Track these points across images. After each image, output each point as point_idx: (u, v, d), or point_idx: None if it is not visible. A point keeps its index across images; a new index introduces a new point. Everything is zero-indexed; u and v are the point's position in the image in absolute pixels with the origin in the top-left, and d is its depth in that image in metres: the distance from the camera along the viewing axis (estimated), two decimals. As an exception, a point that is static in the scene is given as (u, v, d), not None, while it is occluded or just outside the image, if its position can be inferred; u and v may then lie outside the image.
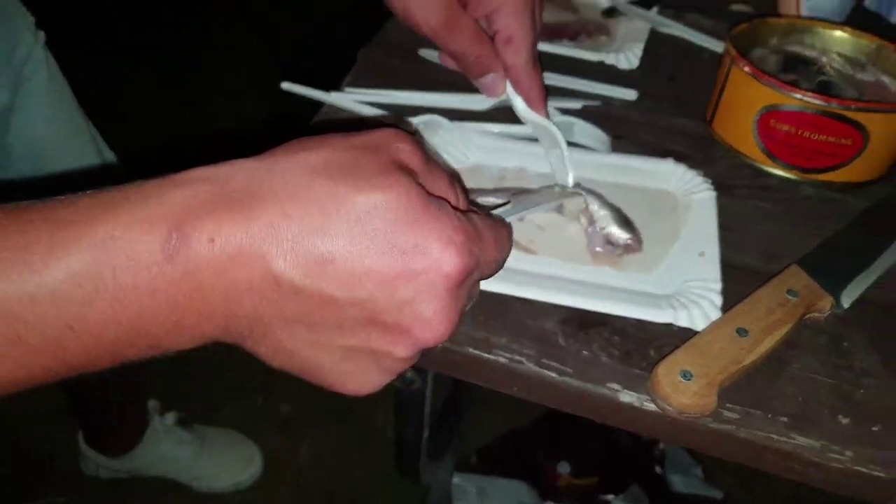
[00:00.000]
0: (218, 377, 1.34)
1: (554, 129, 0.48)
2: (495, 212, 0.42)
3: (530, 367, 0.39)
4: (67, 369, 0.26)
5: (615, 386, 0.38)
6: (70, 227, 0.25)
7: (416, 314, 0.28)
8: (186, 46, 2.12)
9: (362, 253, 0.27)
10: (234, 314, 0.27)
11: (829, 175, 0.49)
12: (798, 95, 0.47)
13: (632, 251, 0.44)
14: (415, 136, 0.32)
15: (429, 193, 0.29)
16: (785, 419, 0.37)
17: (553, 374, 0.38)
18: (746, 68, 0.48)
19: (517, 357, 0.39)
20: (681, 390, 0.36)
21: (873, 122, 0.46)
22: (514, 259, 0.42)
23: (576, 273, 0.43)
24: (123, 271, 0.25)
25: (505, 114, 0.52)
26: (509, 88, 0.50)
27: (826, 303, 0.41)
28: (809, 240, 0.46)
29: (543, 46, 0.61)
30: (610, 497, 1.01)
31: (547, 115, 0.50)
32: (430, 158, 0.32)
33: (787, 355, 0.40)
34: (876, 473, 0.35)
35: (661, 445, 1.06)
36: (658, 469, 1.02)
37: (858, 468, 0.35)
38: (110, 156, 0.84)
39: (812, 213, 0.48)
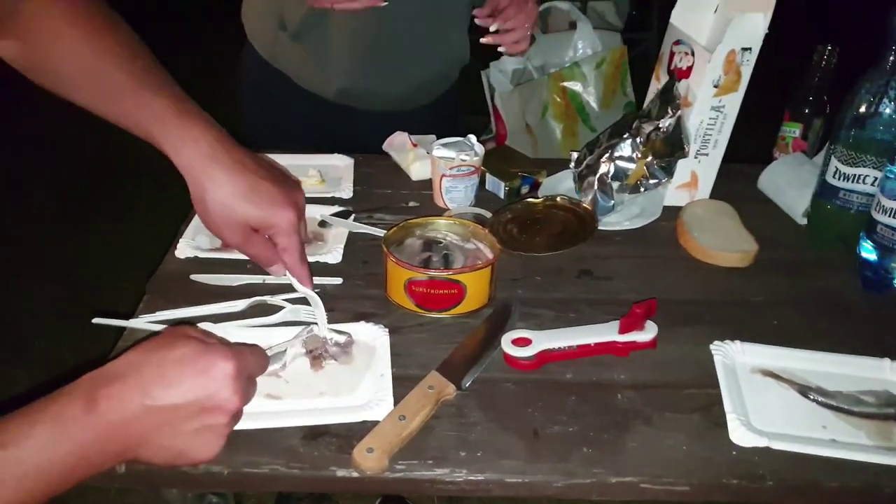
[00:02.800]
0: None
1: (315, 296, 0.77)
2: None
3: (281, 470, 0.63)
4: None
5: (334, 468, 0.64)
6: (30, 413, 0.52)
7: (222, 397, 0.57)
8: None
9: (183, 377, 0.55)
10: (128, 434, 0.54)
11: (454, 310, 0.81)
12: (421, 271, 0.79)
13: (350, 344, 0.72)
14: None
15: (207, 343, 0.58)
16: (430, 461, 0.65)
17: (297, 471, 0.63)
18: (392, 259, 0.80)
19: (273, 466, 0.63)
20: (366, 460, 0.62)
21: (466, 278, 0.79)
22: (267, 405, 0.67)
23: (306, 404, 0.69)
24: (66, 421, 0.51)
25: (253, 311, 0.79)
26: (288, 273, 0.77)
27: (451, 389, 0.71)
28: (448, 350, 0.76)
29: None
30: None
31: (312, 288, 0.78)
32: (205, 332, 0.62)
33: (432, 425, 0.68)
34: (479, 478, 0.64)
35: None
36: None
37: (470, 478, 0.64)
38: None
39: (449, 334, 0.79)
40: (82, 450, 0.52)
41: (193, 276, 0.85)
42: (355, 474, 0.63)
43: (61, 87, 0.71)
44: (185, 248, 0.90)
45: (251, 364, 0.62)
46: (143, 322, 0.77)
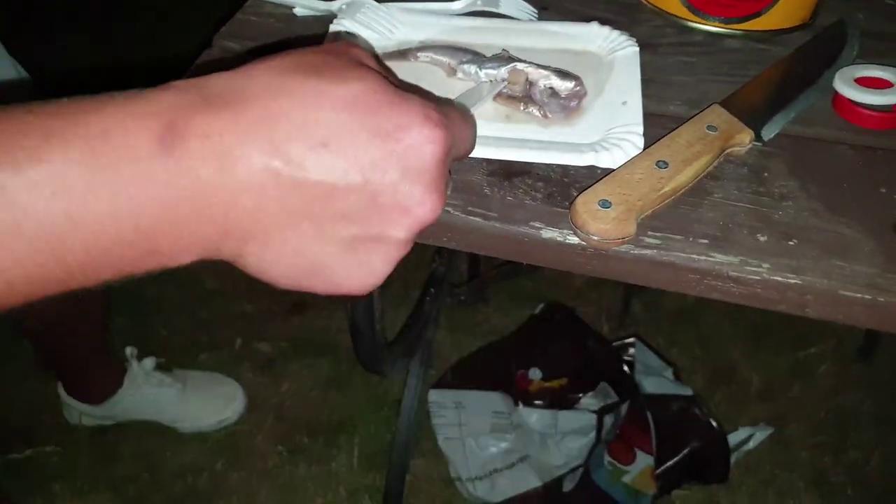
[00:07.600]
0: (193, 326, 1.35)
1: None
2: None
3: (457, 215, 0.39)
4: (66, 274, 0.25)
5: (538, 224, 0.39)
6: (61, 118, 0.24)
7: (410, 191, 0.28)
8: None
9: (351, 140, 0.27)
10: (234, 214, 0.27)
11: (752, 23, 0.49)
12: (715, -58, 0.47)
13: (580, 97, 0.45)
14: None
15: (396, 85, 0.29)
16: (705, 241, 0.38)
17: (479, 220, 0.39)
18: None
19: (446, 208, 0.39)
20: (599, 217, 0.37)
21: (787, -35, 0.46)
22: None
23: (501, 132, 0.43)
24: (120, 163, 0.24)
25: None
26: None
27: (745, 136, 0.42)
28: (733, 87, 0.46)
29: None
30: (579, 395, 1.03)
31: None
32: (382, 62, 0.32)
33: (709, 186, 0.41)
34: (791, 280, 0.36)
35: (632, 351, 1.09)
36: (628, 371, 1.04)
37: (775, 278, 0.36)
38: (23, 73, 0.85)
39: (735, 62, 0.49)
40: (139, 217, 0.25)
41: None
42: (573, 240, 0.38)
43: None
44: None
45: (463, 137, 0.33)
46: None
